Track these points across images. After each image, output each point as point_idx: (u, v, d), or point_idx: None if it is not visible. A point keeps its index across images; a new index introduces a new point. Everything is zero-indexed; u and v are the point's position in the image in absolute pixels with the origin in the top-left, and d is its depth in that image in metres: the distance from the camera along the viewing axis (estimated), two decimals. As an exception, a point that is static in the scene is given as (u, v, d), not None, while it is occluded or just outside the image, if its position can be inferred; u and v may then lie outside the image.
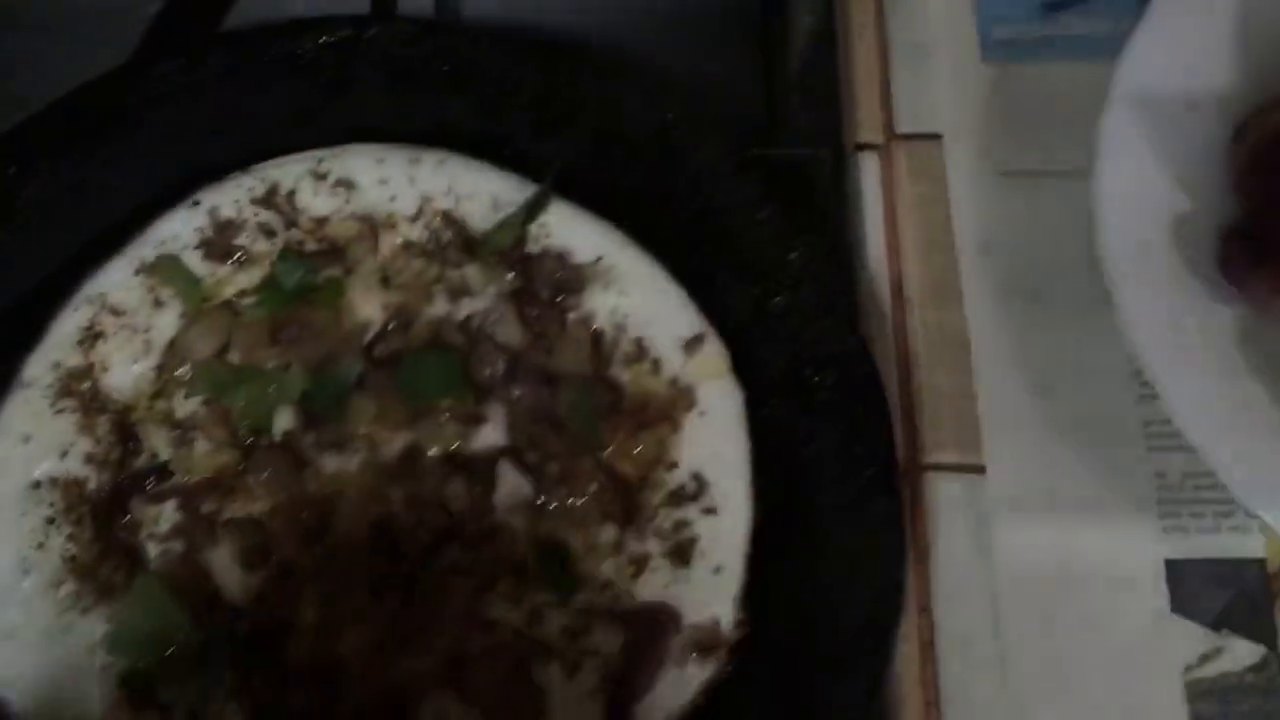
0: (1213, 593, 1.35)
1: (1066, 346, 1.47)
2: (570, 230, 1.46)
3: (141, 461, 1.38)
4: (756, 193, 1.46)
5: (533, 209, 1.46)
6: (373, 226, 1.47)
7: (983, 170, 1.56)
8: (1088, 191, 1.35)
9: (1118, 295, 1.30)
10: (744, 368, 1.41)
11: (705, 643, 1.31)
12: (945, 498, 1.39)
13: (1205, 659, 1.33)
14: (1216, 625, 1.34)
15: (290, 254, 1.45)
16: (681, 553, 1.35)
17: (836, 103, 1.61)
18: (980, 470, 1.40)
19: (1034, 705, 1.31)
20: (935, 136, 1.58)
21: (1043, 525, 1.37)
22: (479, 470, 1.37)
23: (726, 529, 1.36)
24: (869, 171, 1.57)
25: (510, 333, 1.42)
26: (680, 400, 1.40)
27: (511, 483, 1.36)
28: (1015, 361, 1.47)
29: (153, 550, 1.35)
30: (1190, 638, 1.33)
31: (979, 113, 1.59)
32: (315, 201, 1.48)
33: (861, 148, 1.58)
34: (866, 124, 1.60)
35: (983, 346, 1.47)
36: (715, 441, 1.39)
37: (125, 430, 1.39)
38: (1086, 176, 1.36)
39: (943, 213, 1.54)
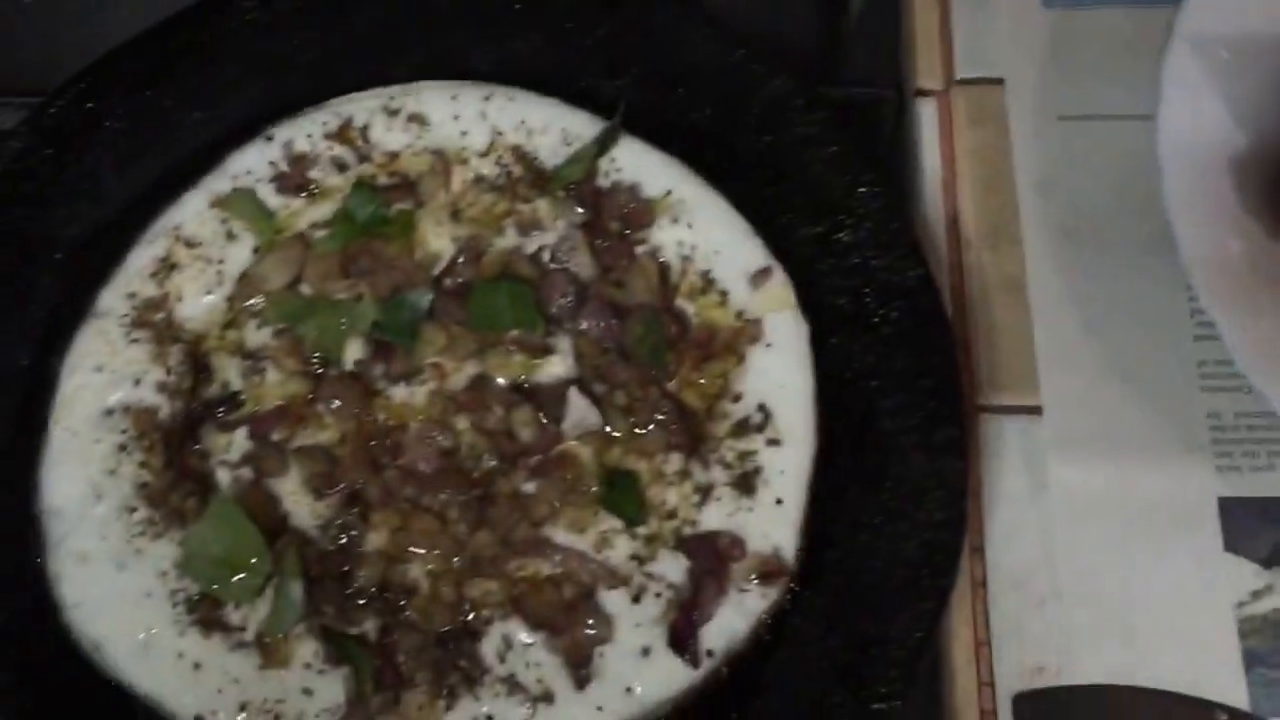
0: (1265, 531, 1.26)
1: (1122, 287, 1.36)
2: (639, 165, 1.35)
3: (213, 390, 1.28)
4: (824, 128, 1.34)
5: (603, 143, 1.34)
6: (444, 161, 1.36)
7: (1042, 114, 1.44)
8: (1146, 135, 1.26)
9: (1178, 234, 1.21)
10: (809, 301, 1.30)
11: (767, 571, 1.20)
12: (1000, 438, 1.30)
13: (1257, 595, 1.24)
14: (1268, 562, 1.25)
15: (363, 187, 1.34)
16: (745, 482, 1.24)
17: (896, 49, 1.50)
18: (1036, 411, 1.31)
19: (1086, 643, 1.22)
20: (997, 81, 1.46)
21: (1097, 465, 1.28)
22: (547, 399, 1.26)
23: (790, 459, 1.24)
24: (927, 118, 1.46)
25: (581, 264, 1.30)
26: (746, 332, 1.28)
27: (579, 412, 1.25)
28: (1071, 302, 1.35)
29: (223, 477, 1.24)
30: (1243, 575, 1.24)
31: (1039, 58, 1.47)
32: (388, 136, 1.37)
33: (921, 94, 1.47)
34: (926, 70, 1.48)
35: (1039, 288, 1.36)
36: (780, 373, 1.27)
37: (197, 360, 1.29)
38: (1145, 120, 1.27)
39: (1001, 156, 1.43)
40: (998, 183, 1.41)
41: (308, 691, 1.16)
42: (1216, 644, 1.22)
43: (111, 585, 1.19)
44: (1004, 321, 1.35)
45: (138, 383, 1.26)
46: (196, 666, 1.17)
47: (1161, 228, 1.24)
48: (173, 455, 1.24)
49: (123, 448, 1.24)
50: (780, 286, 1.30)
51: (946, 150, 1.43)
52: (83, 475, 1.23)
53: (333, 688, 1.16)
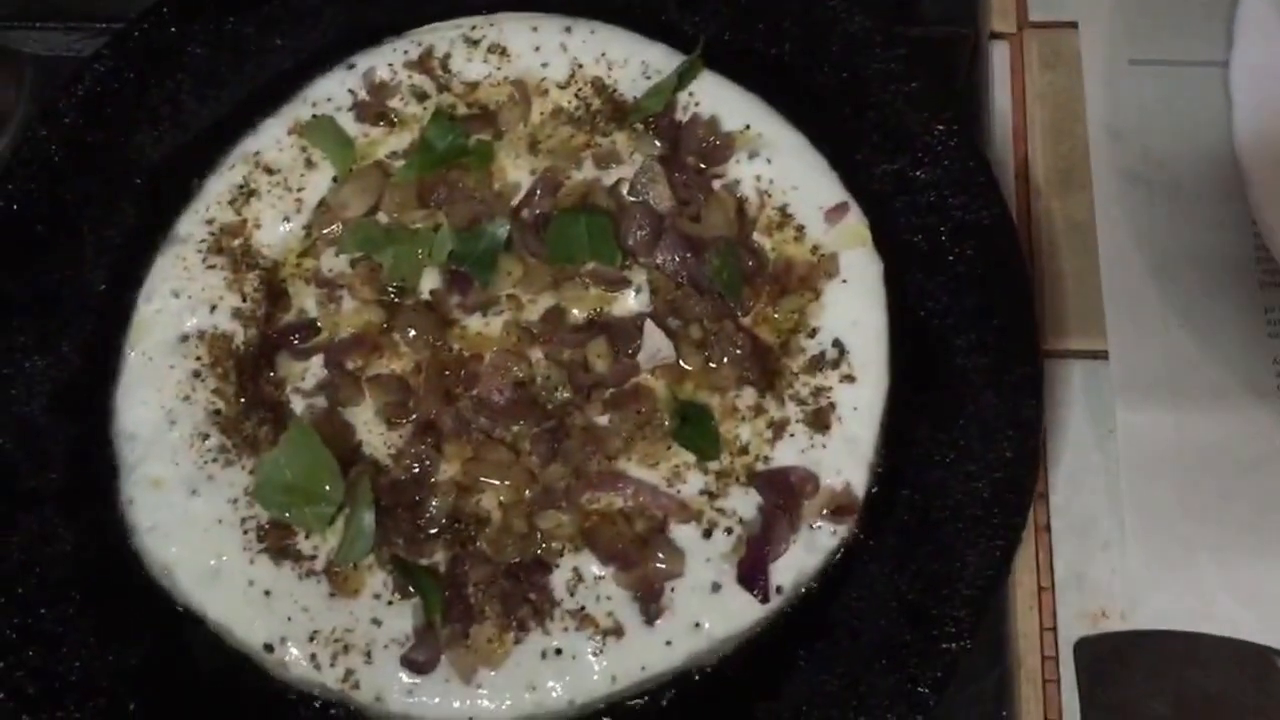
0: (1333, 478, 1.04)
1: (1190, 234, 1.15)
2: (718, 99, 1.11)
3: (289, 318, 1.06)
4: (904, 65, 1.09)
5: (684, 76, 1.10)
6: (524, 92, 1.12)
7: (1114, 58, 1.22)
8: (1217, 81, 1.13)
9: (1249, 178, 1.07)
10: (884, 238, 1.06)
11: (838, 508, 0.99)
12: (1066, 382, 1.11)
13: (1323, 544, 1.02)
14: (1336, 508, 1.03)
15: (442, 116, 1.10)
16: (819, 418, 1.01)
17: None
18: (1102, 356, 1.11)
19: (1149, 589, 1.04)
20: (1070, 25, 1.23)
21: (1164, 411, 1.09)
22: (622, 332, 1.03)
23: (864, 396, 1.02)
24: (999, 60, 1.23)
25: (660, 196, 1.06)
26: (822, 268, 1.05)
27: (654, 344, 1.02)
28: (1138, 248, 1.14)
29: (297, 406, 1.02)
30: (1309, 521, 1.03)
31: (1112, 2, 1.24)
32: (468, 67, 1.14)
33: (995, 36, 1.23)
34: (1000, 12, 1.24)
35: (1108, 233, 1.15)
36: (855, 310, 1.04)
37: (273, 287, 1.06)
38: (1217, 66, 1.14)
39: (1073, 100, 1.21)
40: (1068, 127, 1.20)
41: (376, 622, 0.96)
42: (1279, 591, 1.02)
43: (183, 511, 0.99)
44: (1071, 266, 1.15)
45: (214, 309, 1.05)
46: (266, 594, 0.96)
47: (1230, 174, 1.10)
48: (246, 382, 1.03)
49: (197, 374, 1.02)
50: (856, 222, 1.06)
51: (1018, 93, 1.21)
52: (157, 401, 1.02)
53: (402, 618, 0.96)
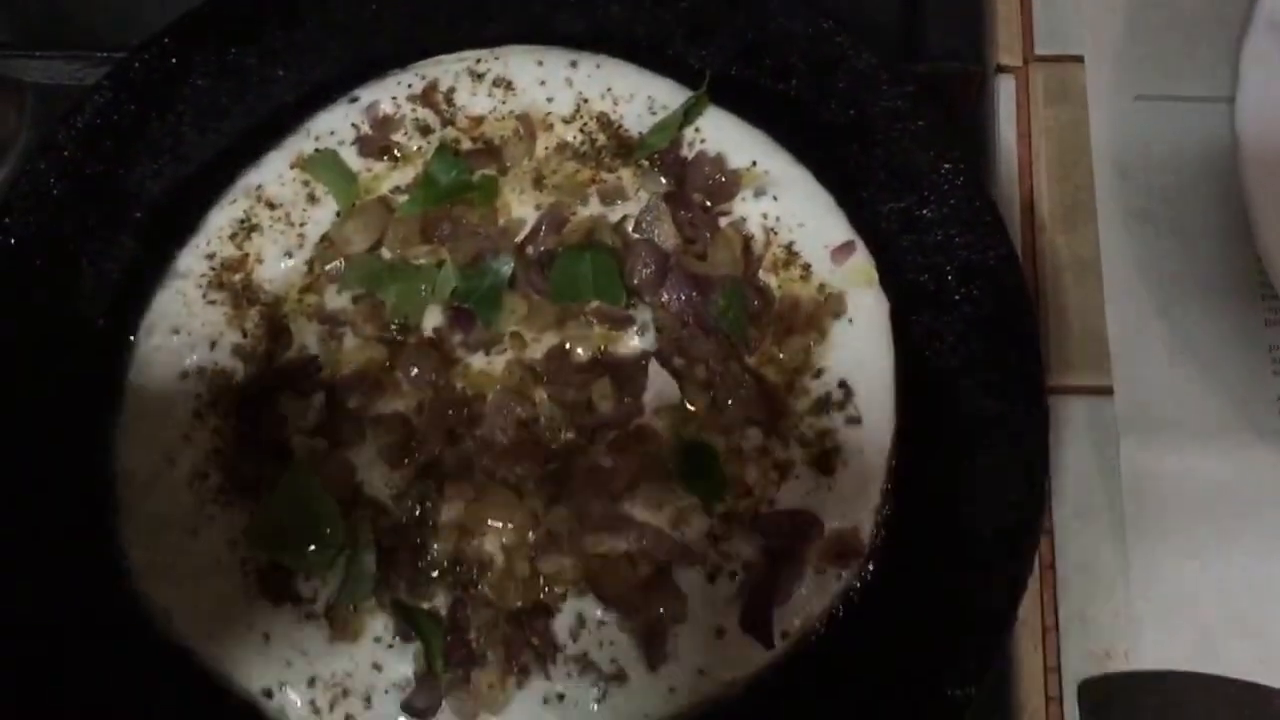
0: (1336, 520, 1.02)
1: (1195, 271, 1.14)
2: (724, 135, 1.09)
3: (290, 355, 1.03)
4: (911, 103, 1.07)
5: (689, 112, 1.08)
6: (529, 126, 1.10)
7: (1120, 93, 1.21)
8: (1224, 117, 1.09)
9: (1253, 218, 1.04)
10: (890, 277, 1.05)
11: (845, 550, 0.97)
12: (1070, 419, 1.08)
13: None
14: (1340, 553, 1.02)
15: (446, 151, 1.08)
16: (825, 460, 0.99)
17: (977, 23, 1.23)
18: (1107, 392, 1.09)
19: (1154, 629, 1.02)
20: (1076, 59, 1.22)
21: (1168, 448, 1.07)
22: (626, 372, 1.01)
23: (870, 437, 1.00)
24: (1005, 94, 1.21)
25: (666, 235, 1.04)
26: (828, 307, 1.03)
27: (659, 385, 1.00)
28: (1145, 284, 1.13)
29: (298, 444, 0.99)
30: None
31: (1118, 36, 1.23)
32: (473, 100, 1.11)
33: (1001, 69, 1.22)
34: (1006, 45, 1.22)
35: (1113, 269, 1.14)
36: (861, 350, 1.02)
37: (275, 323, 1.04)
38: (1224, 102, 1.10)
39: (1079, 135, 1.19)
40: (1073, 162, 1.18)
41: (377, 666, 0.94)
42: (1287, 633, 1.00)
43: (182, 552, 0.96)
44: (1076, 301, 1.13)
45: (214, 345, 1.02)
46: (265, 638, 0.94)
47: (1236, 212, 1.08)
48: (247, 421, 1.00)
49: (197, 413, 1.00)
50: (863, 261, 1.04)
51: (1024, 127, 1.19)
52: (156, 439, 0.99)
53: (402, 663, 0.94)
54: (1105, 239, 1.14)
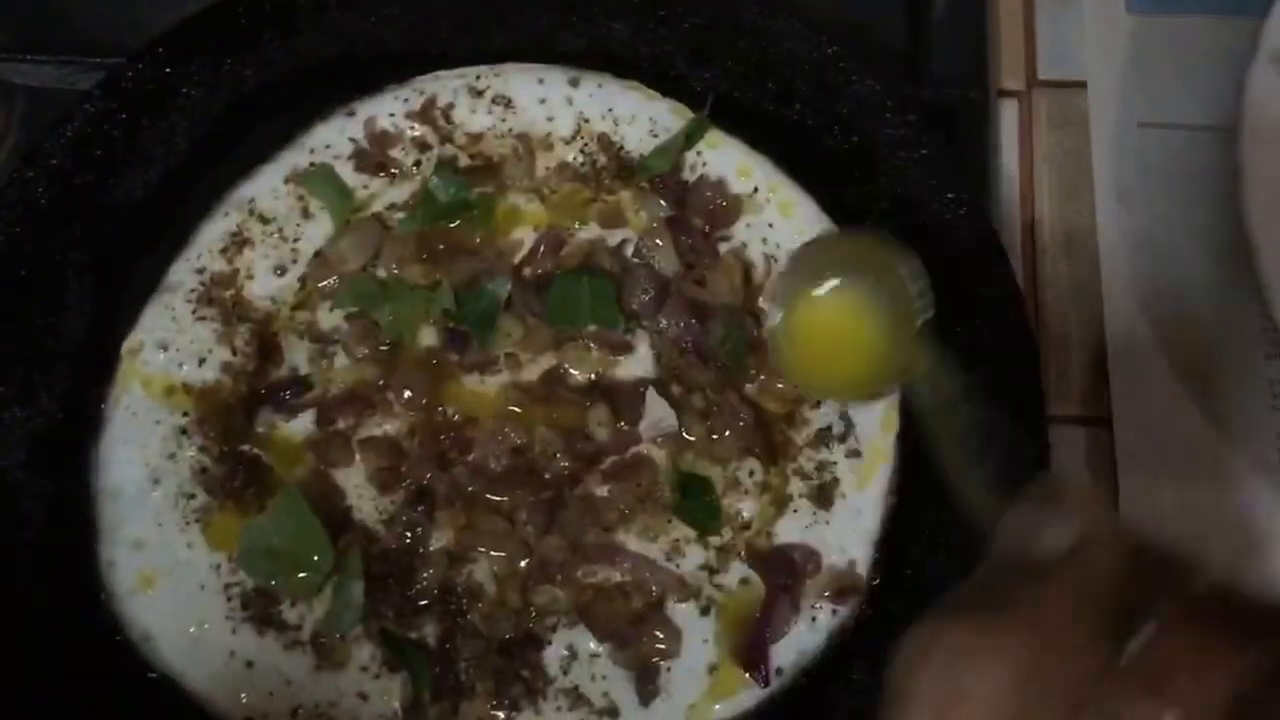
0: (1336, 559, 0.97)
1: (1198, 301, 1.09)
2: (726, 160, 1.04)
3: (280, 373, 0.98)
4: (915, 131, 1.03)
5: (691, 135, 1.03)
6: (529, 146, 1.04)
7: (1123, 120, 1.16)
8: (1227, 146, 1.03)
9: (1256, 249, 0.99)
10: (892, 308, 0.98)
11: (841, 588, 0.92)
12: (1069, 450, 1.03)
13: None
14: (1338, 592, 0.97)
15: (445, 168, 1.02)
16: (823, 494, 0.95)
17: (980, 48, 1.17)
18: (1107, 424, 1.04)
19: None
20: (1079, 84, 1.17)
21: (1166, 483, 1.02)
22: (623, 399, 0.96)
23: (869, 472, 0.95)
24: (1008, 119, 1.16)
25: (666, 260, 1.00)
26: (829, 339, 0.97)
27: (657, 413, 0.95)
28: (1145, 313, 1.08)
29: (286, 467, 0.94)
30: (1312, 604, 0.96)
31: (1122, 63, 1.18)
32: (471, 118, 1.06)
33: (1003, 94, 1.17)
34: (1009, 69, 1.18)
35: (1113, 298, 1.09)
36: (863, 382, 0.96)
37: (265, 340, 0.98)
38: (1227, 131, 1.04)
39: (1081, 162, 1.15)
40: (1075, 188, 1.14)
41: (363, 696, 0.89)
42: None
43: (165, 575, 0.91)
44: (1076, 330, 1.09)
45: (202, 362, 0.97)
46: (249, 665, 0.89)
47: (1238, 243, 1.01)
48: (235, 440, 0.95)
49: (184, 430, 0.95)
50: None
51: (1026, 153, 1.15)
52: (141, 458, 0.94)
53: (389, 693, 0.89)
54: (1106, 267, 1.10)
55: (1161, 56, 1.18)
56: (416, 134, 1.04)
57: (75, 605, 0.90)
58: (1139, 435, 1.04)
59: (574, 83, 1.05)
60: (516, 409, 0.96)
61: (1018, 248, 1.11)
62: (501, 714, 0.88)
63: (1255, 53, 1.07)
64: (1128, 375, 1.06)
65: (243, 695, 0.88)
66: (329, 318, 0.99)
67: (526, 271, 1.00)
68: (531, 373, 0.97)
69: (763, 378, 0.97)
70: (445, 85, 1.06)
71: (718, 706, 0.89)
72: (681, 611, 0.91)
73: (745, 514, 0.94)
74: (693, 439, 0.95)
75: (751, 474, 0.95)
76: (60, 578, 0.91)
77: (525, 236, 1.01)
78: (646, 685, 0.89)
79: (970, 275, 0.99)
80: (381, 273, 1.00)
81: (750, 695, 0.89)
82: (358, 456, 0.94)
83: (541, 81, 1.05)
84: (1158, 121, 1.16)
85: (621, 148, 1.04)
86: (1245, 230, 1.03)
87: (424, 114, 1.05)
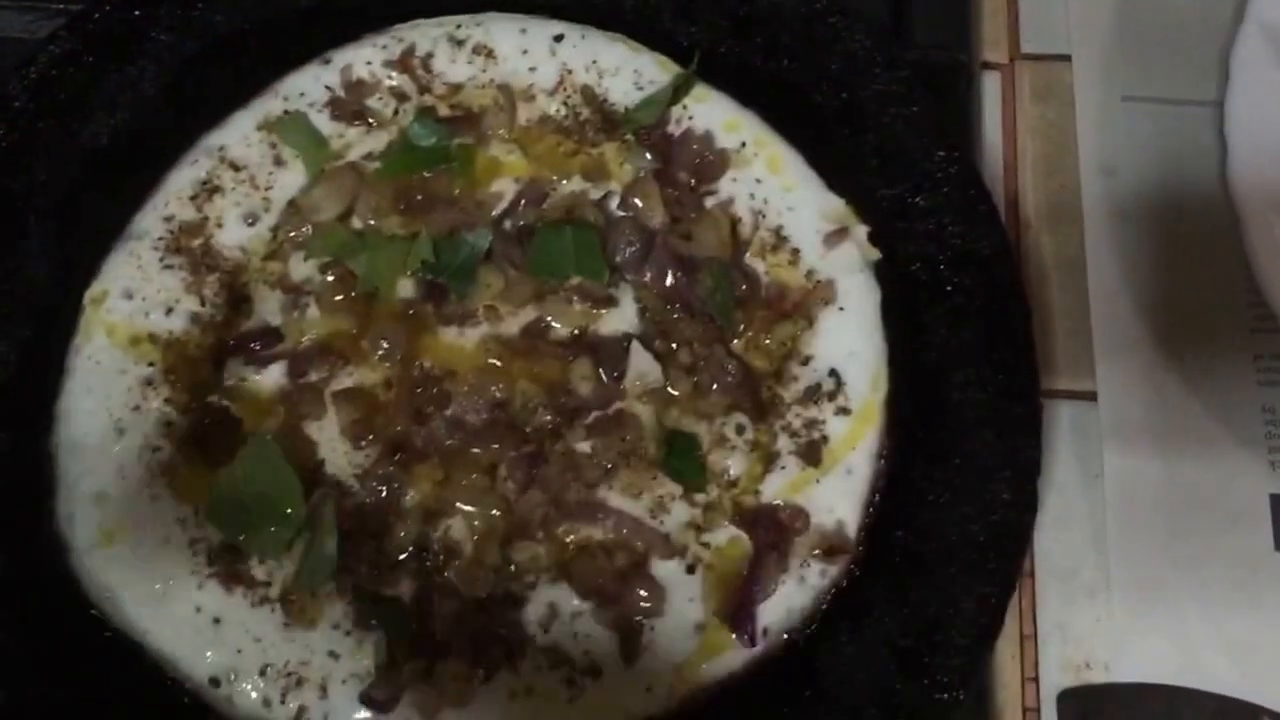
0: (1319, 530, 0.97)
1: (1182, 275, 1.08)
2: (713, 113, 1.01)
3: (250, 324, 0.94)
4: (905, 88, 1.00)
5: (678, 89, 1.01)
6: (509, 97, 1.01)
7: (1107, 94, 1.14)
8: (1211, 121, 1.06)
9: (1243, 221, 1.00)
10: (881, 265, 0.98)
11: (830, 547, 0.89)
12: (1054, 424, 1.01)
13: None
14: (1319, 563, 0.96)
15: (427, 114, 0.99)
16: (812, 452, 0.92)
17: (963, 20, 1.16)
18: (1091, 397, 1.03)
19: (1134, 640, 0.96)
20: (1064, 58, 1.15)
21: (1151, 456, 1.01)
22: (607, 352, 0.93)
23: (859, 430, 0.93)
24: (990, 92, 1.14)
25: (652, 212, 0.96)
26: (817, 294, 0.96)
27: (641, 367, 0.92)
28: (1129, 287, 1.07)
29: (255, 418, 0.90)
30: (1293, 575, 0.96)
31: (1106, 36, 1.17)
32: (451, 68, 1.03)
33: (986, 66, 1.15)
34: (991, 41, 1.16)
35: (1097, 271, 1.08)
36: (852, 339, 0.95)
37: (235, 290, 0.95)
38: (1212, 106, 1.07)
39: (1065, 135, 1.13)
40: (1059, 162, 1.12)
41: (334, 655, 0.85)
42: (1265, 646, 0.95)
43: (129, 529, 0.87)
44: (1060, 303, 1.07)
45: (170, 312, 0.93)
46: (215, 622, 0.86)
47: (1223, 216, 1.03)
48: (203, 392, 0.91)
49: (149, 382, 0.91)
50: (854, 248, 0.97)
51: (1009, 126, 1.13)
52: (104, 409, 0.90)
53: (362, 652, 0.85)
54: (1090, 241, 1.08)
55: (1147, 30, 1.16)
56: (394, 83, 1.01)
57: (30, 560, 0.86)
58: (1124, 409, 1.02)
59: (558, 36, 1.03)
60: (496, 362, 0.92)
61: (1002, 221, 1.07)
62: (479, 673, 0.84)
63: (1242, 24, 1.08)
64: (1113, 348, 1.05)
65: (209, 653, 0.84)
66: (301, 268, 0.95)
67: (507, 223, 0.97)
68: (512, 326, 0.94)
69: (750, 333, 0.95)
70: (425, 34, 1.03)
71: (704, 666, 0.86)
72: (666, 569, 0.88)
73: (732, 471, 0.91)
74: (678, 394, 0.92)
75: (739, 430, 0.92)
76: (14, 531, 0.87)
77: (506, 188, 0.98)
78: (630, 644, 0.86)
79: (961, 233, 0.97)
80: (358, 223, 0.96)
81: (737, 655, 0.86)
82: (330, 409, 0.91)
83: (524, 31, 1.03)
84: (1143, 95, 1.14)
85: (605, 100, 1.01)
86: (1232, 204, 1.03)
87: (403, 63, 1.02)
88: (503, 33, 1.03)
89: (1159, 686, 0.94)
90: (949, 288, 0.97)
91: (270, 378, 0.92)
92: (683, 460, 0.91)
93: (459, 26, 1.03)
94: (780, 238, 0.98)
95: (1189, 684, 0.94)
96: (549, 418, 0.91)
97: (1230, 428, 1.02)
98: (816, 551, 0.89)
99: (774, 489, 0.91)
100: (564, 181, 0.99)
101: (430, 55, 1.02)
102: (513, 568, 0.87)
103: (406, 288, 0.95)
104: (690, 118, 1.01)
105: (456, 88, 1.02)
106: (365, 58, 1.02)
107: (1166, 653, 0.95)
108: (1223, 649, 0.95)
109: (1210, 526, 0.99)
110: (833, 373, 0.94)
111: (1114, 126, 1.13)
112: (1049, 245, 1.09)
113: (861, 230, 0.97)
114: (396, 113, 1.01)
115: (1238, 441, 1.02)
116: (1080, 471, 1.01)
